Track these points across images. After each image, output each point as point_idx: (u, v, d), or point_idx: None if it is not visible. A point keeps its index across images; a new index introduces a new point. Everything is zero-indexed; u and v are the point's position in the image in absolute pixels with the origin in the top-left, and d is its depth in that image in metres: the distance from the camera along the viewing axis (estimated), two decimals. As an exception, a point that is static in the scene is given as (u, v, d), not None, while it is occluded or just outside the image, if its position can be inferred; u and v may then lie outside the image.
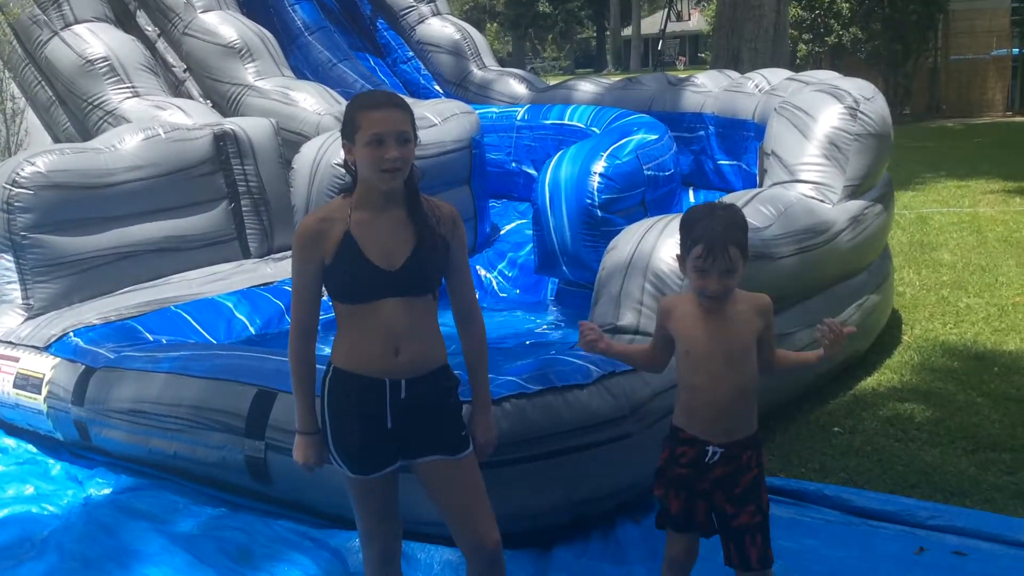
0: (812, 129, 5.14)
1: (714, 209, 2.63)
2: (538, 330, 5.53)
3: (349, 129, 2.44)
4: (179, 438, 3.92)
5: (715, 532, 2.67)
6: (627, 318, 3.84)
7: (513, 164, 7.25)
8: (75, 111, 6.91)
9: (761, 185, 5.45)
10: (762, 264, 4.25)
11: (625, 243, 4.04)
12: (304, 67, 8.17)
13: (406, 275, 2.44)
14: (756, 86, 7.01)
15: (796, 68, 15.47)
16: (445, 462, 2.53)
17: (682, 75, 8.18)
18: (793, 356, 2.80)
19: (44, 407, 4.50)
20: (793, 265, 4.44)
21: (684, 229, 2.59)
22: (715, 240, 2.49)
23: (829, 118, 5.14)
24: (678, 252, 2.64)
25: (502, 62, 11.36)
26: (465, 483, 2.56)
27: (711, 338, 2.57)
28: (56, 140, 7.01)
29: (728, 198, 4.86)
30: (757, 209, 4.54)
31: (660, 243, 3.93)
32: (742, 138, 6.92)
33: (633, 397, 3.43)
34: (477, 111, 6.78)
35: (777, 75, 7.02)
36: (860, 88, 5.41)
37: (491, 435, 2.66)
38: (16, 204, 5.06)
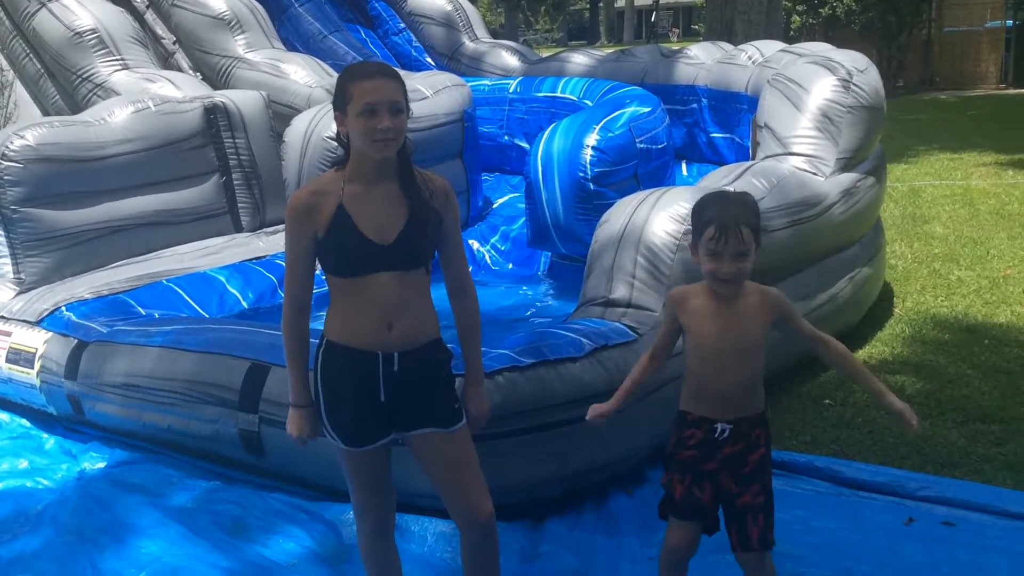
0: (805, 101, 5.12)
1: (726, 194, 2.63)
2: (531, 303, 5.53)
3: (341, 100, 2.43)
4: (173, 412, 3.93)
5: (716, 528, 2.66)
6: (619, 291, 3.85)
7: (506, 137, 7.22)
8: (64, 84, 6.84)
9: (754, 158, 5.45)
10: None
11: (617, 216, 4.04)
12: (294, 39, 8.09)
13: (399, 249, 2.44)
14: (749, 58, 6.98)
15: (790, 40, 15.42)
16: (438, 435, 2.54)
17: (675, 47, 8.14)
18: (858, 367, 2.72)
19: (37, 381, 4.49)
20: (786, 238, 4.45)
21: (696, 214, 2.56)
22: (728, 221, 2.46)
23: (822, 90, 5.13)
24: (690, 241, 2.61)
25: (495, 34, 11.31)
26: (458, 456, 2.57)
27: (721, 333, 2.55)
28: (45, 113, 6.95)
29: (722, 171, 4.85)
30: (750, 182, 4.53)
31: (652, 216, 3.93)
32: (735, 111, 6.89)
33: (626, 370, 3.40)
34: (469, 83, 6.73)
35: (770, 47, 6.99)
36: (853, 60, 5.39)
37: (484, 407, 2.67)
38: (6, 178, 5.02)
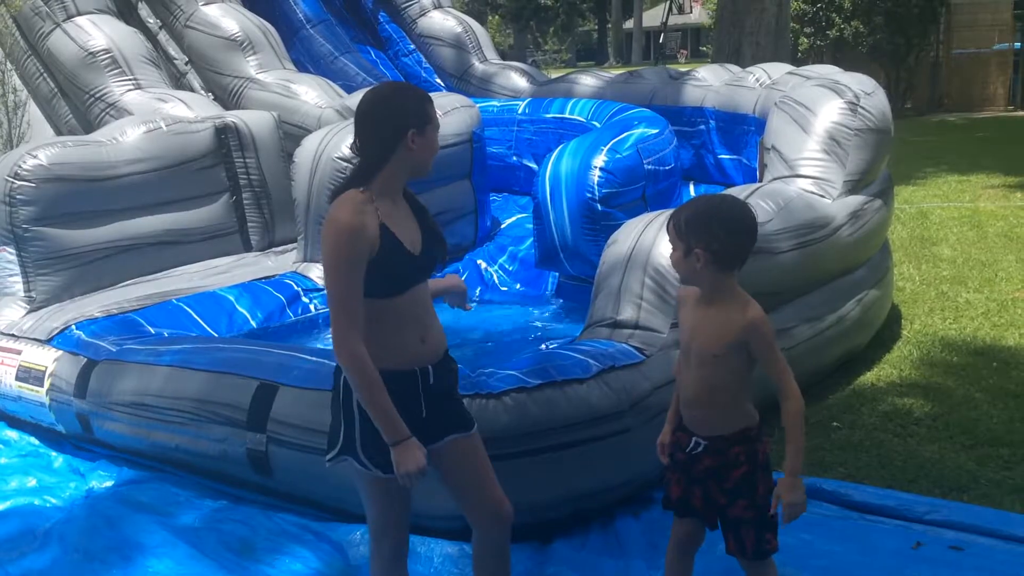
0: (812, 124, 5.14)
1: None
2: (539, 324, 5.54)
3: (423, 120, 2.47)
4: (181, 431, 3.94)
5: (715, 524, 2.68)
6: (627, 312, 3.86)
7: (514, 158, 7.25)
8: (77, 103, 6.92)
9: (761, 180, 5.46)
10: (762, 259, 4.26)
11: (625, 238, 4.06)
12: (306, 60, 8.17)
13: (427, 257, 2.54)
14: (757, 80, 7.00)
15: (797, 62, 15.47)
16: (463, 439, 2.61)
17: (683, 68, 8.17)
18: (792, 440, 2.52)
19: (46, 400, 4.52)
20: (793, 260, 4.45)
21: None
22: (668, 219, 2.56)
23: (829, 113, 5.14)
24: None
25: (503, 55, 11.34)
26: (479, 456, 2.65)
27: (690, 334, 2.59)
28: (58, 132, 7.02)
29: (729, 192, 4.86)
30: (757, 204, 4.54)
31: (660, 238, 3.94)
32: (743, 132, 6.91)
33: (633, 392, 3.44)
34: (478, 104, 6.78)
35: (778, 69, 7.01)
36: (860, 83, 5.41)
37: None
38: (18, 197, 5.07)
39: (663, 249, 3.89)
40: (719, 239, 2.45)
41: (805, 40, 20.78)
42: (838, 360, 4.92)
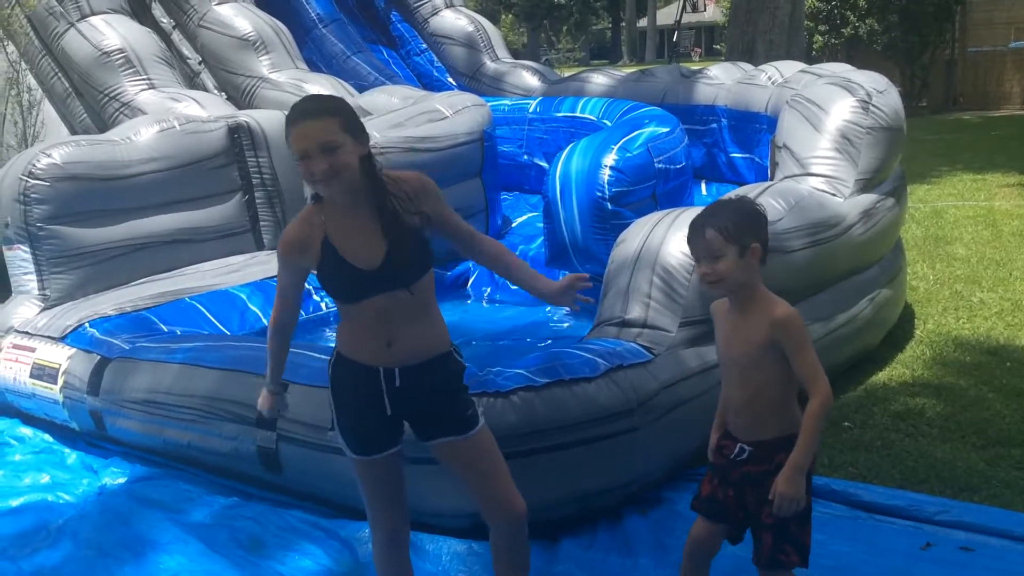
0: (824, 122, 5.12)
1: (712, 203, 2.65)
2: (548, 323, 5.54)
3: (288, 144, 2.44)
4: (192, 428, 3.97)
5: (740, 539, 2.67)
6: (635, 312, 3.85)
7: (525, 157, 7.26)
8: (91, 103, 6.96)
9: (772, 178, 5.44)
10: (773, 258, 4.20)
11: (634, 237, 4.05)
12: (318, 59, 8.20)
13: (387, 273, 2.47)
14: (769, 78, 6.98)
15: (812, 60, 15.40)
16: (456, 442, 2.61)
17: (696, 67, 8.16)
18: (806, 419, 2.48)
19: (60, 397, 4.55)
20: (804, 259, 4.44)
21: None
22: (693, 226, 2.52)
23: (841, 111, 5.12)
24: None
25: (516, 53, 11.37)
26: (480, 459, 2.63)
27: (725, 343, 2.59)
28: (73, 132, 7.06)
29: (740, 191, 4.85)
30: (768, 202, 4.52)
31: (669, 237, 3.94)
32: (755, 131, 6.89)
33: (641, 391, 3.44)
34: (489, 103, 6.79)
35: (790, 67, 6.99)
36: (873, 81, 5.39)
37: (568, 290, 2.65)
38: (32, 195, 5.10)
39: (672, 248, 3.89)
40: (767, 236, 2.54)
41: (820, 38, 20.70)
42: (850, 360, 4.90)
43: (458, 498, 3.28)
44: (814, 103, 5.32)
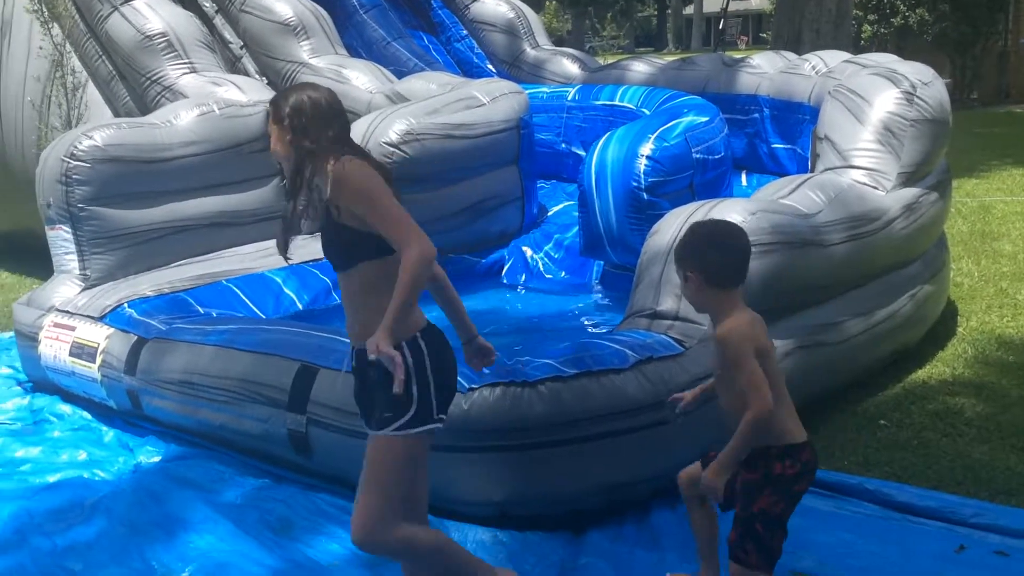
0: (867, 114, 5.03)
1: None
2: (582, 312, 5.51)
3: None
4: (225, 409, 4.01)
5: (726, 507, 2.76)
6: (667, 303, 3.81)
7: (563, 145, 7.21)
8: (134, 86, 7.02)
9: (813, 170, 5.36)
10: (811, 251, 4.19)
11: (667, 228, 4.01)
12: (358, 45, 8.19)
13: (326, 254, 2.70)
14: (813, 68, 6.87)
15: (860, 50, 15.14)
16: (371, 434, 2.61)
17: (741, 55, 8.05)
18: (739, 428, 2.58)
19: (98, 376, 4.62)
20: (843, 253, 4.37)
21: None
22: None
23: (884, 103, 5.03)
24: None
25: (560, 41, 11.23)
26: (366, 463, 2.61)
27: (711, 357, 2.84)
28: (116, 114, 7.14)
29: (778, 183, 4.79)
30: (807, 195, 4.47)
31: (704, 228, 3.88)
32: (797, 121, 6.79)
33: (670, 383, 3.40)
34: (527, 91, 6.75)
35: (834, 57, 6.87)
36: (918, 72, 5.27)
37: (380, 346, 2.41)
38: (74, 177, 5.17)
39: (706, 240, 3.84)
40: (712, 261, 2.62)
41: (868, 27, 20.34)
42: (889, 356, 4.82)
43: (484, 486, 3.28)
44: (857, 94, 5.22)
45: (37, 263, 6.15)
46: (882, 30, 20.38)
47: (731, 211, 3.93)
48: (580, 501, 3.37)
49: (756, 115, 7.20)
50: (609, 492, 3.40)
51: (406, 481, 2.60)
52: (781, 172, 7.02)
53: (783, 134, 7.01)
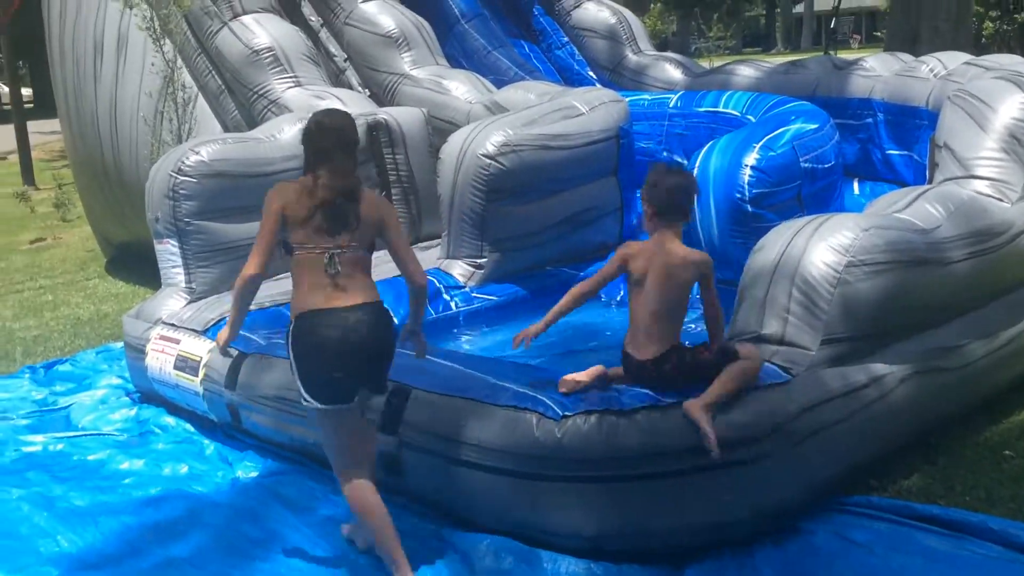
0: (990, 120, 4.72)
1: None
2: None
3: None
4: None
5: None
6: (772, 327, 3.61)
7: (664, 153, 7.03)
8: (242, 99, 7.19)
9: (931, 180, 5.07)
10: (930, 269, 3.93)
11: (772, 244, 3.81)
12: (459, 55, 8.21)
13: None
14: (931, 70, 6.54)
15: (981, 49, 14.39)
16: None
17: (854, 55, 7.73)
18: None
19: (200, 389, 4.70)
20: (966, 270, 4.10)
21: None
22: None
23: (1010, 108, 4.71)
24: None
25: (665, 42, 11.02)
26: None
27: None
28: (225, 128, 7.32)
29: (894, 195, 4.54)
30: (925, 208, 4.22)
31: (812, 246, 3.68)
32: (914, 126, 6.47)
33: (775, 414, 3.22)
34: (628, 98, 6.61)
35: (954, 59, 6.52)
36: (1048, 75, 4.93)
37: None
38: (181, 191, 5.29)
39: (814, 258, 3.64)
40: (660, 197, 3.29)
41: (990, 24, 19.35)
42: (1015, 380, 4.50)
43: (575, 519, 3.17)
44: (980, 99, 4.91)
45: (151, 274, 6.34)
46: (1005, 27, 19.36)
47: (842, 228, 3.72)
48: (678, 537, 3.21)
49: (869, 120, 6.91)
50: (708, 528, 3.23)
51: (344, 447, 3.25)
52: (896, 179, 6.72)
53: (898, 139, 6.70)
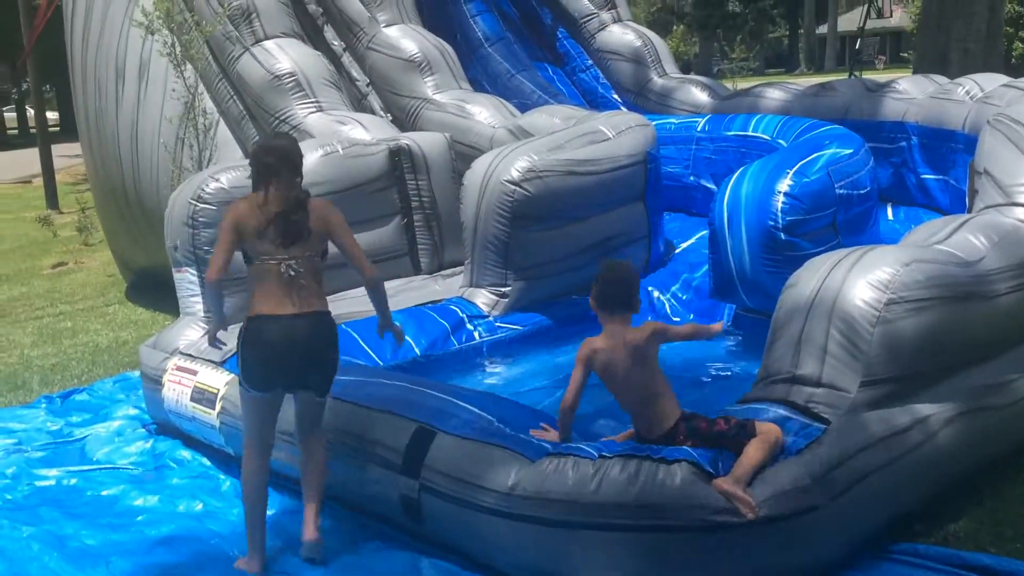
0: (1034, 145, 4.54)
1: None
2: (714, 359, 5.16)
3: None
4: (334, 465, 3.87)
5: None
6: (808, 367, 3.43)
7: (691, 178, 6.92)
8: (263, 125, 7.12)
9: (971, 207, 4.89)
10: (974, 304, 3.75)
11: (808, 279, 3.64)
12: (483, 78, 8.12)
13: None
14: (967, 93, 6.37)
15: (1011, 70, 14.15)
16: None
17: (881, 77, 7.58)
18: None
19: (217, 422, 4.59)
20: (1011, 304, 3.93)
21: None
22: None
23: (1055, 133, 4.53)
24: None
25: (688, 64, 10.87)
26: None
27: None
28: (246, 154, 7.26)
29: (934, 224, 4.36)
30: (967, 238, 4.04)
31: (850, 281, 3.51)
32: (950, 150, 6.31)
33: (816, 463, 3.04)
34: (654, 122, 6.49)
35: (991, 81, 6.36)
36: (1094, 99, 4.74)
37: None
38: (200, 219, 5.21)
39: (853, 294, 3.47)
40: (603, 294, 3.43)
41: (1020, 44, 19.10)
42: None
43: (608, 570, 3.01)
44: (1021, 123, 4.73)
45: (171, 300, 6.26)
46: (1036, 45, 19.12)
47: (882, 262, 3.55)
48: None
49: (903, 143, 6.77)
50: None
51: (253, 427, 3.67)
52: (931, 204, 6.56)
53: (933, 164, 6.54)
